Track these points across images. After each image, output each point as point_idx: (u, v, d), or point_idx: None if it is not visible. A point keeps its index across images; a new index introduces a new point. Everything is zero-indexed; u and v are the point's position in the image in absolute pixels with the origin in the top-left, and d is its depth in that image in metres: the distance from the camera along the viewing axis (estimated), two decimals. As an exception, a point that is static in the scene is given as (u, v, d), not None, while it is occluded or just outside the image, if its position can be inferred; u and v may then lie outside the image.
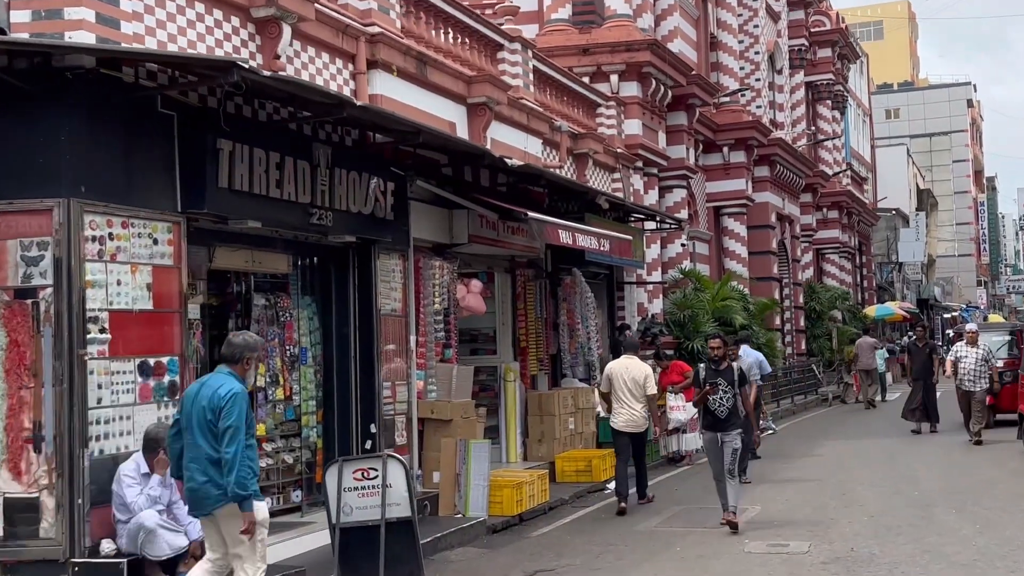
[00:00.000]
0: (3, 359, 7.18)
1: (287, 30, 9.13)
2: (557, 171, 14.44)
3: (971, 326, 18.21)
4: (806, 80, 34.43)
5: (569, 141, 16.15)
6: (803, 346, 29.94)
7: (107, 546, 7.11)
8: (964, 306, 64.39)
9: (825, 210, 36.09)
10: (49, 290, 7.13)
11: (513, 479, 11.00)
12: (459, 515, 10.55)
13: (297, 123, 9.21)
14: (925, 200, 59.86)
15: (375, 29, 10.54)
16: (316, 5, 9.55)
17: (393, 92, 10.99)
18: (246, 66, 7.25)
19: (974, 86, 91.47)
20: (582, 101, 17.42)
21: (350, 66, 10.48)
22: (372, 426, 10.33)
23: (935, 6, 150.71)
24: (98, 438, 7.18)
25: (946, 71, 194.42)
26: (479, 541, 9.94)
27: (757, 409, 14.99)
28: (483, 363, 13.90)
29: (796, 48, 32.84)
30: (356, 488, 7.77)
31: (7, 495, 7.11)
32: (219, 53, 8.51)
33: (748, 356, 16.07)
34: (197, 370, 8.52)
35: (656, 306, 19.06)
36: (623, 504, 11.23)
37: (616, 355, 16.54)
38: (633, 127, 18.71)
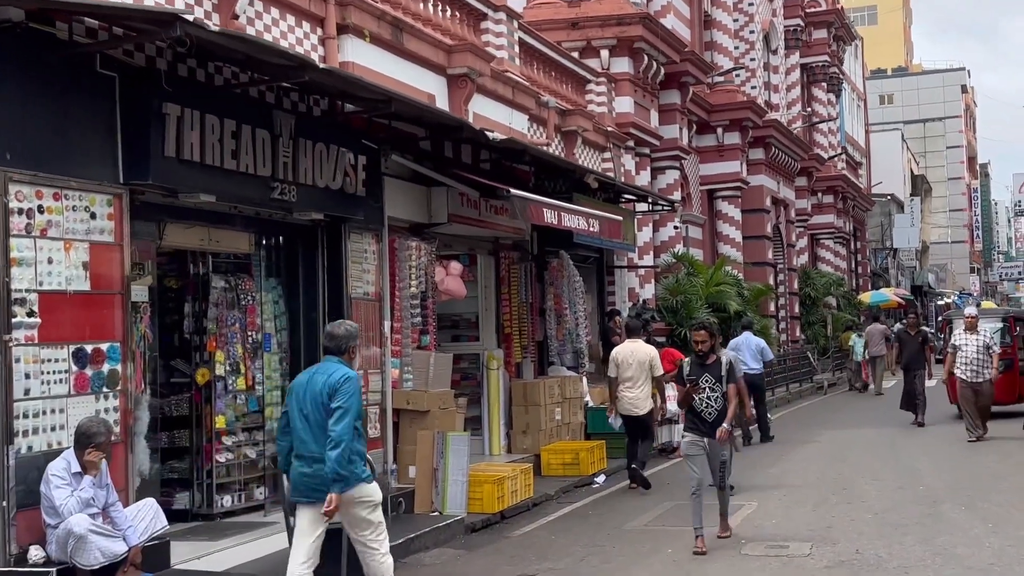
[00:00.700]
0: (-80, 345, 6.45)
1: (246, -13, 8.39)
2: (544, 149, 13.71)
3: (970, 310, 16.50)
4: (801, 62, 33.74)
5: (557, 118, 15.42)
6: (797, 333, 29.31)
7: (35, 553, 6.40)
8: (958, 293, 63.93)
9: (820, 195, 35.44)
10: (-31, 269, 6.40)
11: (494, 474, 10.31)
12: (436, 513, 9.86)
13: (255, 89, 8.47)
14: (919, 186, 59.27)
15: (345, -10, 9.81)
16: (279, -39, 8.82)
17: (366, 60, 10.24)
18: (190, 19, 6.50)
19: (968, 72, 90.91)
20: (571, 77, 16.68)
21: (319, 30, 9.73)
22: (342, 417, 9.59)
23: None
24: (25, 433, 6.45)
25: (939, 56, 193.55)
26: (456, 541, 9.25)
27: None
28: (465, 350, 13.22)
29: (791, 28, 32.13)
30: (316, 488, 7.04)
31: (-76, 497, 6.39)
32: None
33: (750, 343, 15.87)
34: (146, 358, 7.81)
35: (648, 291, 18.37)
36: (633, 486, 11.61)
37: (605, 341, 15.93)
38: (624, 105, 17.99)
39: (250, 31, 8.57)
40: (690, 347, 18.26)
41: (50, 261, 6.68)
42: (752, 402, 15.49)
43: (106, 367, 7.05)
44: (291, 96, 9.19)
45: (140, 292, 7.70)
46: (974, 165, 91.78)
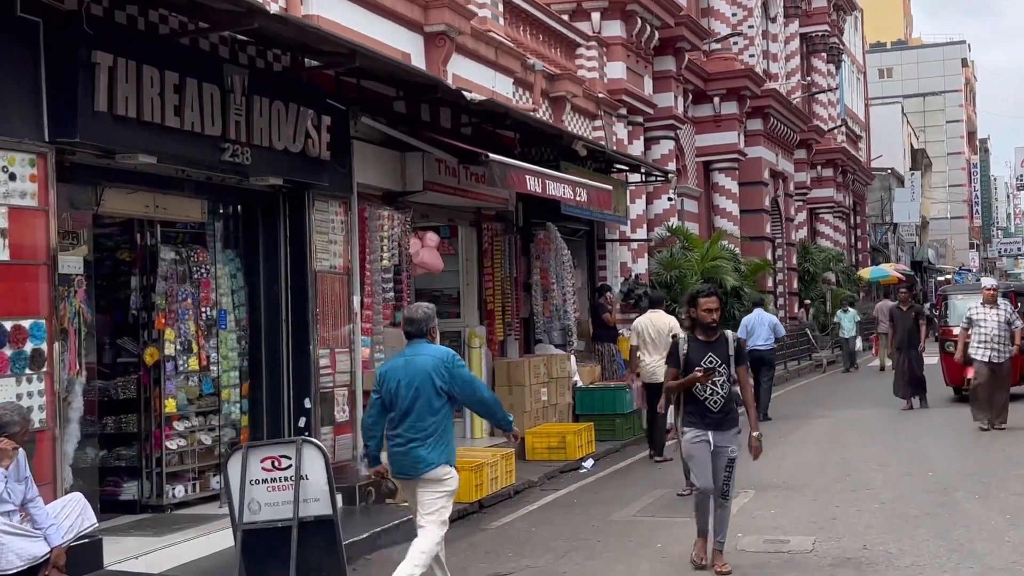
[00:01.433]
0: None
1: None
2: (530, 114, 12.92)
3: (989, 281, 15.15)
4: (801, 31, 32.80)
5: (544, 82, 14.63)
6: (796, 309, 28.58)
7: (-59, 557, 5.67)
8: (957, 269, 63.27)
9: (819, 168, 34.61)
10: None
11: (472, 460, 9.59)
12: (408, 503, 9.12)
13: (206, 41, 7.69)
14: (920, 160, 58.43)
15: (308, -65, 9.00)
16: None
17: (334, 13, 9.45)
18: (113, -48, 5.72)
19: (968, 45, 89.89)
20: (560, 40, 15.86)
21: (279, -21, 8.93)
22: (307, 400, 8.90)
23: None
24: (-71, 422, 5.70)
25: (939, 31, 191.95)
26: (428, 534, 8.53)
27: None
28: (445, 328, 12.40)
29: (791, -5, 31.21)
30: (265, 481, 6.33)
31: None
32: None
33: (763, 320, 15.77)
34: (81, 336, 7.06)
35: (640, 266, 17.62)
36: (658, 458, 11.73)
37: (595, 318, 15.21)
38: (616, 70, 17.17)
39: (200, -22, 7.78)
40: (688, 322, 17.90)
41: (-41, 228, 5.93)
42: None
43: (29, 347, 6.31)
44: (248, 51, 8.42)
45: (73, 264, 6.95)
46: (974, 140, 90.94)
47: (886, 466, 10.99)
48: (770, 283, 25.88)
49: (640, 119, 18.13)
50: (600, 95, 16.35)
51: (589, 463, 11.77)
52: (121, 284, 8.42)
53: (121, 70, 6.70)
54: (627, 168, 16.20)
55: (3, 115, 6.24)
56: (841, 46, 37.91)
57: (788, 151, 29.27)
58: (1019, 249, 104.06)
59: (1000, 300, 13.95)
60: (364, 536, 7.83)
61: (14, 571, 5.66)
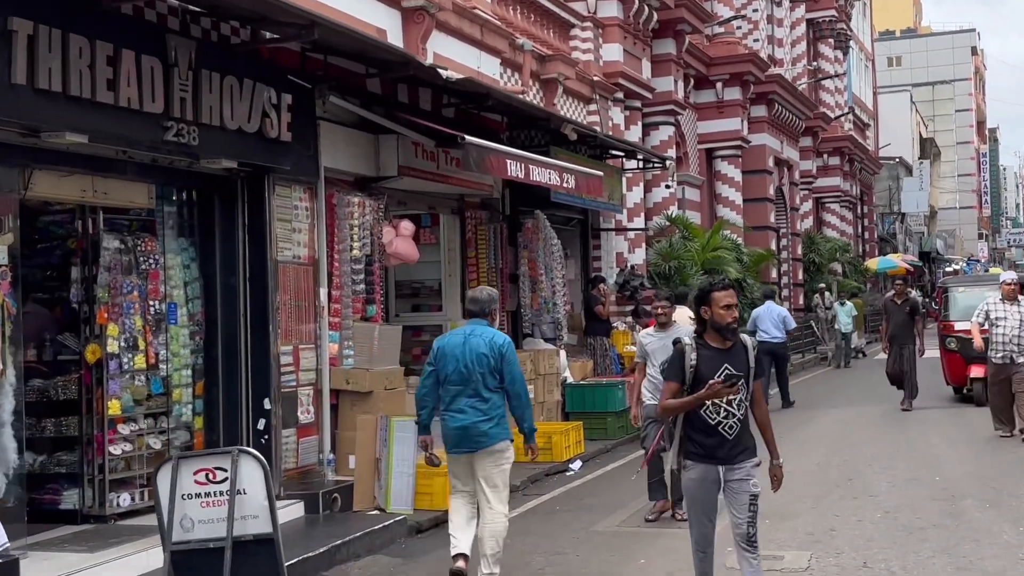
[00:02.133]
0: None
1: None
2: (519, 97, 12.24)
3: (1010, 275, 13.57)
4: (807, 16, 31.99)
5: (535, 63, 13.95)
6: (801, 301, 27.88)
7: None
8: (967, 259, 62.45)
9: (826, 156, 33.86)
10: None
11: (445, 466, 8.93)
12: (377, 511, 8.51)
13: (152, 11, 7.03)
14: (928, 149, 57.57)
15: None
16: None
17: (300, -15, 8.77)
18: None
19: (978, 33, 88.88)
20: (552, 20, 15.18)
21: (237, -53, 8.25)
22: (266, 400, 8.27)
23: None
24: None
25: (946, 20, 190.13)
26: (395, 547, 7.91)
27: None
28: (426, 321, 11.87)
29: (797, -22, 30.43)
30: (198, 495, 5.70)
31: None
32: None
33: (772, 312, 15.57)
34: (5, 333, 6.43)
35: (638, 256, 16.96)
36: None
37: (588, 311, 14.56)
38: (613, 53, 16.49)
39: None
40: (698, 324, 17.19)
41: None
42: (774, 371, 15.39)
43: (-64, 345, 5.69)
44: (201, 23, 7.76)
45: (-4, 253, 6.32)
46: (983, 129, 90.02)
47: (891, 469, 10.32)
48: (774, 274, 25.19)
49: (638, 104, 17.45)
50: (595, 78, 15.67)
51: (576, 465, 11.13)
52: (38, 275, 7.82)
53: (43, 39, 6.06)
54: (623, 154, 15.52)
55: (-94, 88, 5.61)
56: (849, 32, 37.09)
57: (793, 139, 28.54)
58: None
59: (987, 294, 13.05)
60: (321, 551, 7.19)
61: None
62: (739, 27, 24.69)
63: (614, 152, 15.38)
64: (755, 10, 25.43)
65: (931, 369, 16.03)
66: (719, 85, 23.18)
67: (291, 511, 8.10)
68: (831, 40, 34.34)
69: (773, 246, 25.16)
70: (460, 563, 6.42)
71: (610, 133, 15.38)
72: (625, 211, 16.39)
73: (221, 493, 5.67)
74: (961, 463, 10.60)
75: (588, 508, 9.15)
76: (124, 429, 7.66)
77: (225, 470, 5.67)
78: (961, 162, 78.24)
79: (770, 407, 15.41)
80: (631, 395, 8.54)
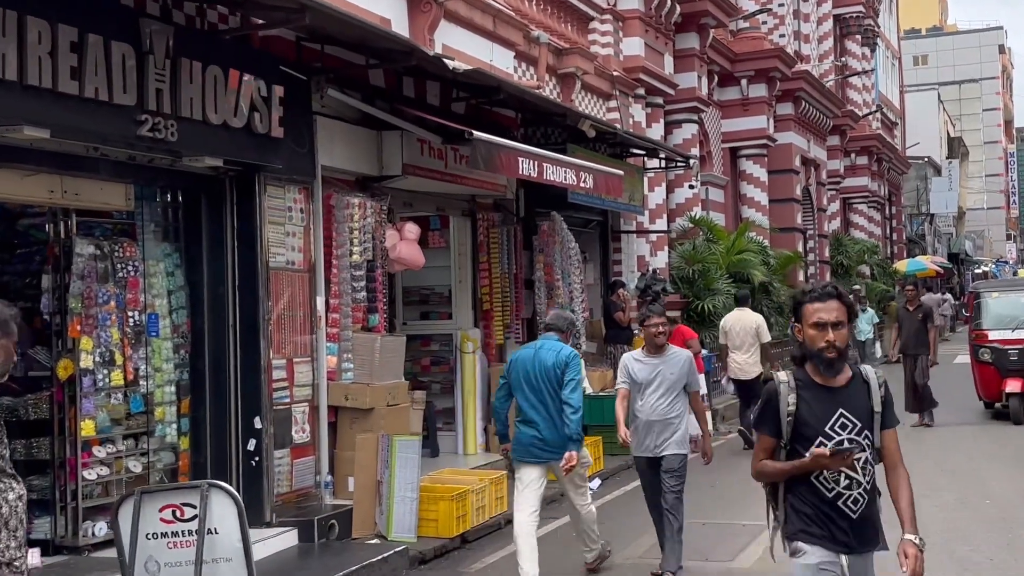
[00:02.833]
0: None
1: None
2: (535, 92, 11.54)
3: None
4: (834, 12, 31.12)
5: (551, 57, 13.25)
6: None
7: None
8: (996, 260, 61.24)
9: (853, 155, 32.93)
10: None
11: (454, 487, 8.27)
12: (377, 539, 7.84)
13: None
14: (956, 149, 56.44)
15: None
16: None
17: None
18: None
19: (1005, 31, 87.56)
20: (570, 12, 14.47)
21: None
22: (257, 419, 7.61)
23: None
24: None
25: (973, 18, 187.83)
26: (395, 580, 7.24)
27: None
28: (435, 330, 11.20)
29: (824, -27, 29.58)
30: (165, 535, 5.04)
31: None
32: None
33: None
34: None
35: (660, 260, 16.21)
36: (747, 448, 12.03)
37: (607, 317, 13.86)
38: (633, 47, 15.74)
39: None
40: (708, 321, 16.57)
41: None
42: None
43: None
44: (184, 8, 7.12)
45: (-54, 260, 5.69)
46: (1010, 129, 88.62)
47: (937, 491, 9.54)
48: (801, 277, 24.36)
49: (660, 100, 16.70)
50: (615, 73, 14.95)
51: (596, 484, 10.30)
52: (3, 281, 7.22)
53: (-5, 22, 5.42)
54: (644, 153, 14.79)
55: None
56: (876, 29, 36.18)
57: (820, 137, 27.68)
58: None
59: (1007, 298, 12.79)
60: (313, 587, 6.54)
61: None
62: (764, 22, 23.89)
63: (635, 151, 14.66)
64: (781, 4, 24.61)
65: (962, 379, 15.17)
66: (744, 82, 22.36)
67: (284, 539, 7.44)
68: (858, 36, 33.43)
69: (800, 248, 24.33)
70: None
71: (630, 130, 14.66)
72: (647, 212, 15.66)
73: (190, 533, 5.00)
74: (1014, 482, 9.82)
75: (608, 534, 8.42)
76: (100, 452, 7.02)
77: (194, 506, 5.00)
78: (989, 162, 77.04)
79: None
80: (619, 425, 7.08)
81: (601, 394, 12.38)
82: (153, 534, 5.04)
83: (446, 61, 8.40)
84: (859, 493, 3.79)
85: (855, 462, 3.74)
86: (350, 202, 8.51)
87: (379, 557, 7.25)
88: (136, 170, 6.98)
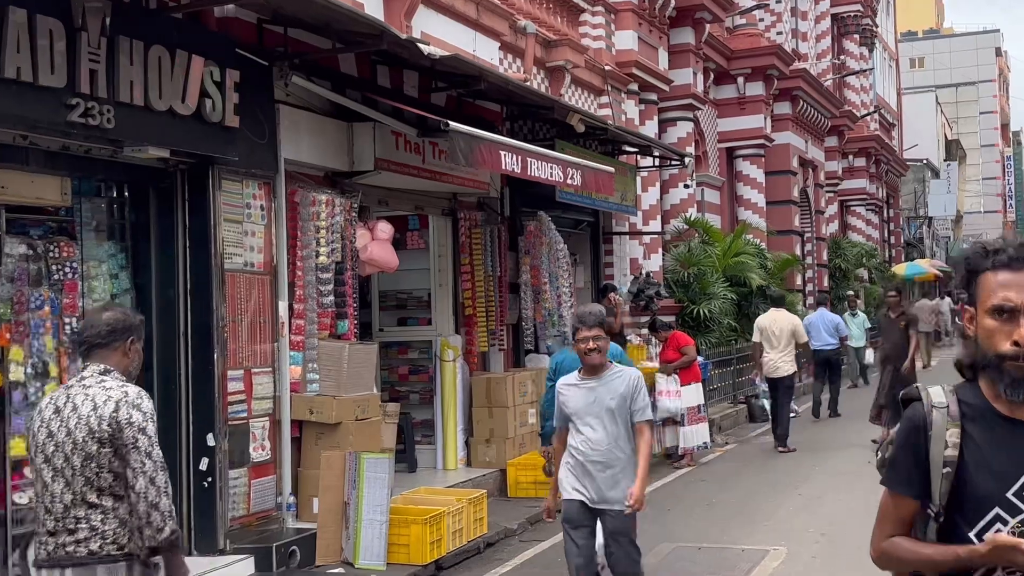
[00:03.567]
0: None
1: None
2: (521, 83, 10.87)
3: None
4: (832, 11, 30.54)
5: (539, 49, 12.60)
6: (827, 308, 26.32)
7: None
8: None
9: (851, 157, 32.32)
10: None
11: (428, 509, 7.60)
12: (344, 566, 7.19)
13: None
14: (954, 151, 55.90)
15: None
16: None
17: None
18: None
19: (1002, 34, 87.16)
20: (560, 3, 13.82)
21: None
22: (209, 436, 6.94)
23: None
24: None
25: (967, 20, 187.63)
26: (360, 615, 6.58)
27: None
28: (414, 336, 10.54)
29: (821, -30, 28.98)
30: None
31: None
32: None
33: (824, 319, 15.80)
34: None
35: (654, 263, 15.56)
36: (782, 448, 12.39)
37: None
38: (626, 40, 15.11)
39: None
40: (705, 326, 15.91)
41: None
42: (827, 380, 15.41)
43: None
44: (133, -14, 6.45)
45: None
46: (1007, 133, 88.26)
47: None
48: (799, 280, 23.73)
49: (654, 97, 16.06)
50: (607, 67, 14.31)
51: (584, 501, 9.73)
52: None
53: None
54: (637, 151, 14.14)
55: None
56: (874, 28, 35.60)
57: (819, 138, 27.07)
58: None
59: None
60: (263, 626, 5.86)
61: None
62: (761, 19, 23.27)
63: (627, 148, 14.02)
64: (778, 1, 24.01)
65: None
66: (740, 80, 21.73)
67: (238, 569, 6.78)
68: (856, 36, 32.83)
69: (798, 251, 23.71)
70: None
71: (623, 127, 14.01)
72: (640, 213, 15.02)
73: None
74: None
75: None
76: (33, 473, 6.32)
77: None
78: (986, 165, 76.67)
79: (820, 418, 14.32)
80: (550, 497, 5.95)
81: (591, 404, 11.73)
82: None
83: (421, 46, 7.75)
84: None
85: None
86: (317, 199, 7.85)
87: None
88: (72, 161, 6.31)
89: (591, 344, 5.35)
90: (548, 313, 11.45)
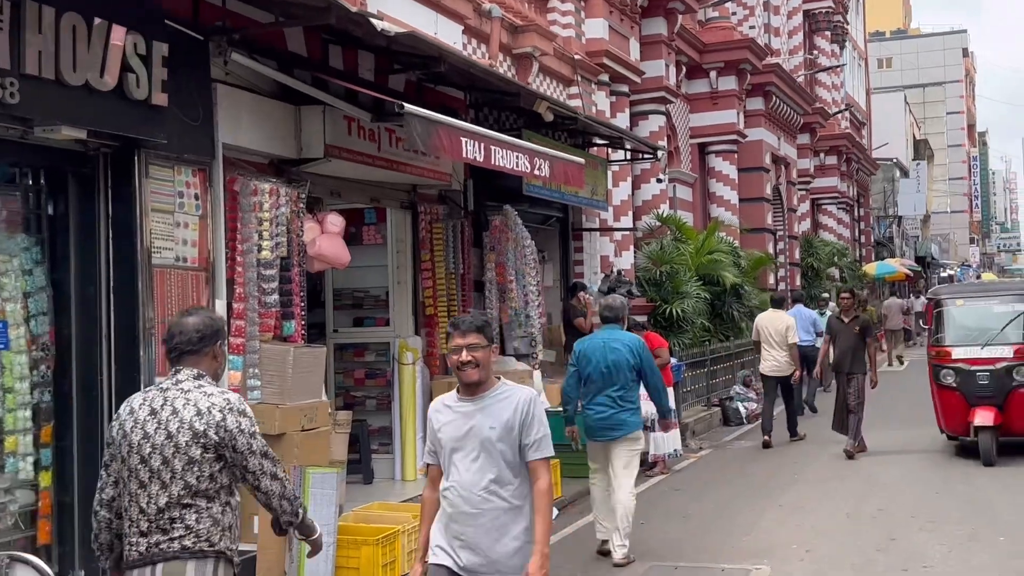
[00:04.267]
0: None
1: None
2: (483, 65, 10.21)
3: None
4: (804, 7, 30.17)
5: (505, 35, 11.99)
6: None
7: None
8: (961, 265, 60.89)
9: (823, 155, 31.97)
10: None
11: (381, 528, 6.94)
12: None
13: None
14: (923, 151, 55.90)
15: None
16: None
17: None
18: None
19: (969, 35, 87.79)
20: (527, -11, 13.20)
21: None
22: (135, 450, 6.22)
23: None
24: None
25: (938, 22, 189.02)
26: (301, 650, 5.90)
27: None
28: (371, 338, 9.88)
29: (793, -35, 28.58)
30: (-49, 624, 3.70)
31: None
32: None
33: (802, 315, 15.98)
34: None
35: (626, 260, 14.98)
36: (767, 438, 12.65)
37: (567, 322, 12.59)
38: (597, 29, 14.50)
39: None
40: (677, 325, 15.32)
41: None
42: (805, 373, 14.93)
43: None
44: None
45: None
46: (973, 133, 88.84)
47: (940, 523, 8.34)
48: (772, 279, 23.26)
49: (625, 89, 15.47)
50: (577, 56, 13.70)
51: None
52: None
53: None
54: (608, 143, 13.54)
55: None
56: (846, 26, 35.29)
57: (791, 135, 26.65)
58: (1018, 244, 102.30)
59: (997, 307, 10.94)
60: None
61: None
62: (734, 13, 22.82)
63: (598, 140, 13.42)
64: (751, -6, 23.55)
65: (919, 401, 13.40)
66: (713, 74, 21.23)
67: (167, 598, 6.06)
68: (828, 33, 32.50)
69: (770, 249, 23.25)
70: (607, 546, 7.46)
71: (593, 116, 13.39)
72: (611, 209, 14.43)
73: (-17, 622, 3.67)
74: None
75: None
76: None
77: (-11, 587, 3.68)
78: (952, 165, 77.09)
79: (801, 414, 13.83)
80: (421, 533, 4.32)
81: (556, 408, 11.09)
82: (-64, 625, 3.70)
83: (374, 22, 7.07)
84: None
85: None
86: (259, 188, 7.16)
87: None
88: (-24, 142, 5.59)
89: (464, 355, 4.03)
90: (514, 313, 10.81)
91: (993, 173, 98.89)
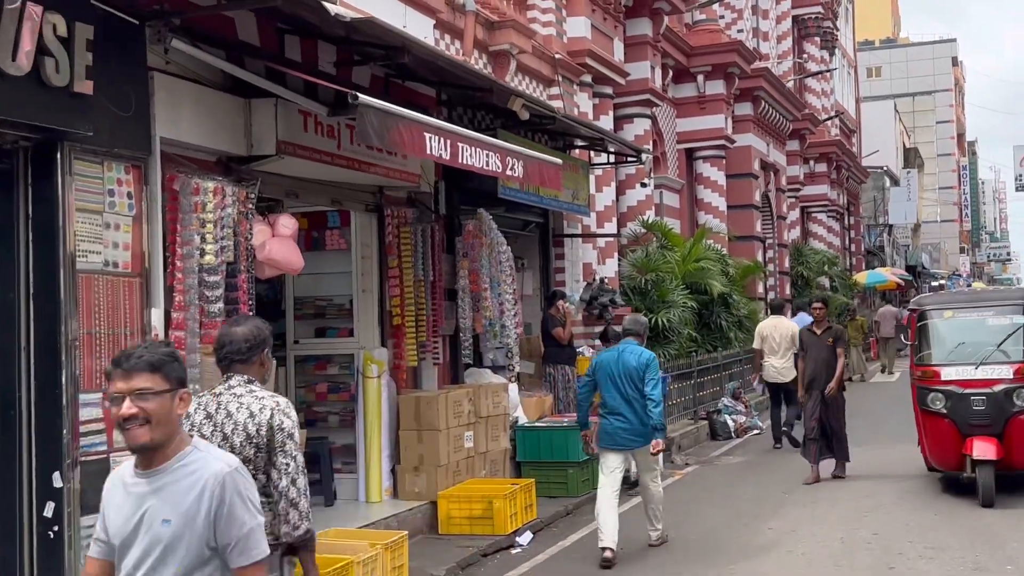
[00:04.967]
0: None
1: None
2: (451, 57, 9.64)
3: None
4: (793, 12, 29.71)
5: (481, 31, 11.43)
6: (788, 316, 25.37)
7: None
8: (951, 274, 60.52)
9: (812, 162, 31.50)
10: None
11: (335, 558, 6.33)
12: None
13: None
14: (913, 159, 55.57)
15: None
16: None
17: None
18: None
19: (958, 44, 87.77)
20: (506, -15, 12.64)
21: None
22: (56, 475, 5.62)
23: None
24: None
25: (927, 31, 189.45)
26: None
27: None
28: (334, 349, 9.29)
29: (782, -31, 28.13)
30: None
31: None
32: None
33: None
34: None
35: (609, 268, 14.44)
36: (778, 446, 13.14)
37: (545, 332, 12.01)
38: (579, 27, 13.97)
39: None
40: (663, 336, 14.75)
41: None
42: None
43: None
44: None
45: None
46: (963, 142, 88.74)
47: (940, 550, 7.76)
48: (760, 288, 22.73)
49: (609, 90, 14.94)
50: (557, 55, 13.15)
51: (526, 539, 8.51)
52: None
53: None
54: (589, 144, 12.99)
55: None
56: (835, 32, 34.86)
57: (780, 141, 26.15)
58: (1008, 254, 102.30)
59: (991, 319, 9.78)
60: None
61: None
62: (722, 16, 22.31)
63: (579, 142, 12.86)
64: (739, -3, 23.06)
65: (901, 419, 12.39)
66: (700, 78, 20.71)
67: (89, 640, 5.45)
68: (817, 39, 32.06)
69: (759, 257, 22.72)
70: (608, 553, 7.60)
71: (574, 116, 12.83)
72: (593, 214, 13.86)
73: None
74: (1030, 539, 8.05)
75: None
76: None
77: None
78: (942, 174, 76.90)
79: (792, 428, 13.25)
80: None
81: (537, 424, 10.53)
82: None
83: (328, 6, 6.49)
84: None
85: None
86: (202, 186, 6.56)
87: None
88: None
89: (127, 408, 2.72)
90: (489, 323, 10.23)
91: (983, 182, 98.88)
